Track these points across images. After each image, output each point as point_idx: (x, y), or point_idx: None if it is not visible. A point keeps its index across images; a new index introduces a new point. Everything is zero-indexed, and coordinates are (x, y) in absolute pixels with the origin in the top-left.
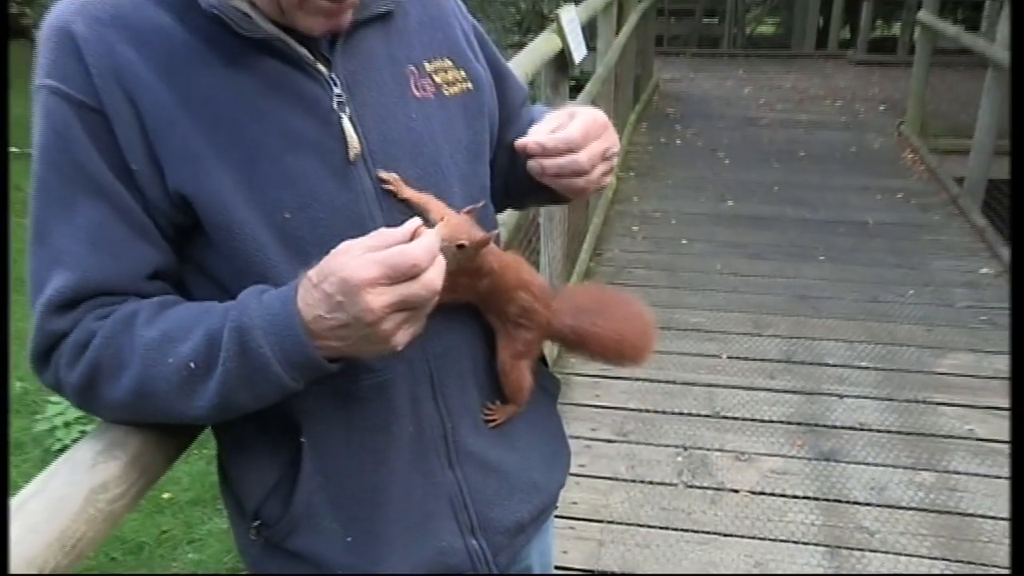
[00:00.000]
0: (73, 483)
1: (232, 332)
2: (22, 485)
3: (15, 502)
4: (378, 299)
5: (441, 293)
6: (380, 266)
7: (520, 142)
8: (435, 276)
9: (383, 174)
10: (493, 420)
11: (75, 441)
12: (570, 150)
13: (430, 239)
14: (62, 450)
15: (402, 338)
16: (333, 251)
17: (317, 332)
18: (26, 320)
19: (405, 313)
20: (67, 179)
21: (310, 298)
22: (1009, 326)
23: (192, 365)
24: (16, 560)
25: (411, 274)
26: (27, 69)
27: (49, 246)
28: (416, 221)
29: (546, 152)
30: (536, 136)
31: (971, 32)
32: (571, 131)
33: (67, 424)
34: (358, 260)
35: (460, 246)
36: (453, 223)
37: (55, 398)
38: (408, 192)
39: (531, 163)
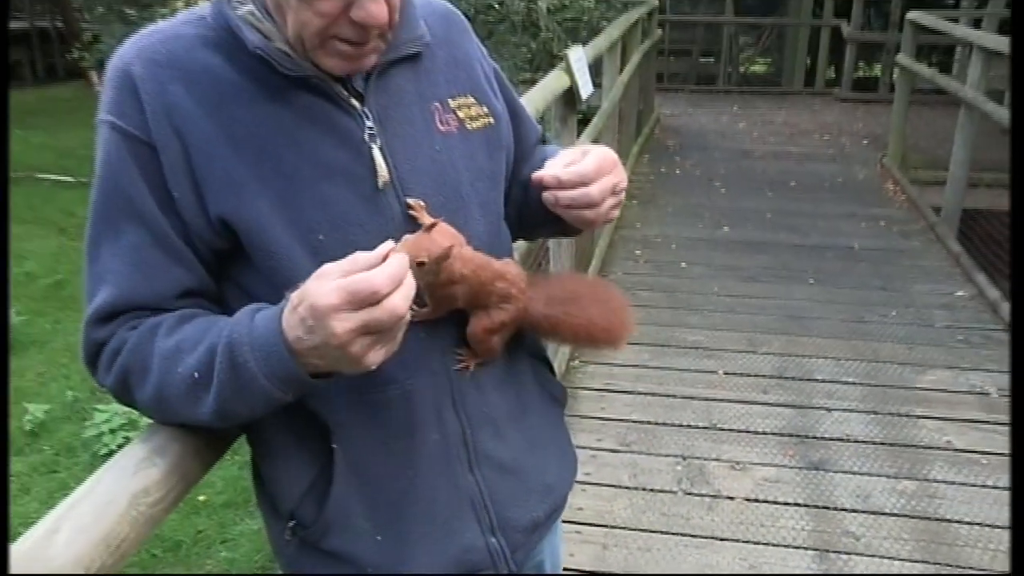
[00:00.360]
0: (118, 488)
1: (224, 348)
2: (73, 486)
3: (66, 504)
4: (341, 325)
5: (433, 309)
6: (342, 293)
7: (537, 174)
8: (398, 301)
9: (410, 201)
10: (464, 364)
11: (120, 446)
12: (583, 183)
13: (394, 265)
14: (108, 454)
15: (374, 358)
16: (314, 273)
17: (298, 351)
18: (76, 335)
19: (371, 336)
20: (116, 207)
21: (291, 320)
22: (1010, 340)
23: (196, 375)
24: (66, 559)
25: (372, 300)
26: (82, 106)
27: (98, 265)
28: (388, 244)
29: (561, 184)
30: (552, 169)
31: (944, 74)
32: (585, 166)
33: (112, 431)
34: (326, 286)
35: (420, 263)
36: (411, 242)
37: (103, 406)
38: (428, 220)
39: (546, 194)
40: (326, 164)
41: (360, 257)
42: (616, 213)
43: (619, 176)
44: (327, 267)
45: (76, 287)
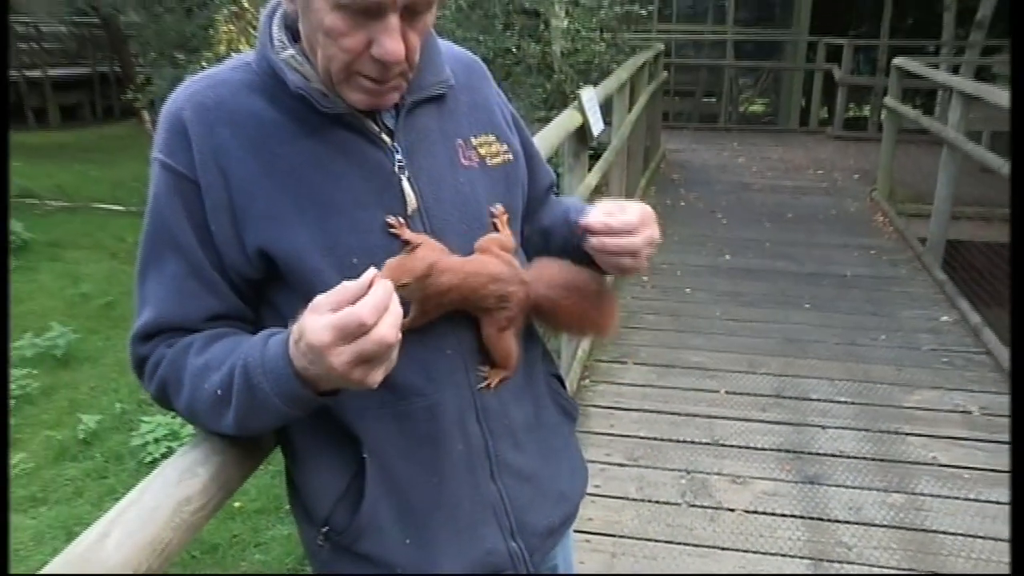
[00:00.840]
0: (163, 496)
1: (241, 370)
2: (121, 491)
3: (116, 510)
4: (338, 359)
5: (419, 317)
6: (333, 331)
7: (585, 221)
8: (385, 330)
9: (389, 219)
10: (487, 383)
11: (163, 455)
12: (629, 233)
13: (378, 294)
14: (152, 462)
15: (374, 379)
16: (309, 306)
17: (304, 377)
18: (125, 352)
19: (367, 363)
20: (161, 238)
21: (295, 351)
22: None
23: (219, 392)
24: (116, 561)
25: (361, 332)
26: (135, 143)
27: (144, 289)
28: (371, 272)
29: (610, 231)
30: (599, 217)
31: (928, 115)
32: (631, 217)
33: (156, 440)
34: (319, 323)
35: (403, 286)
36: (394, 265)
37: (148, 418)
38: (407, 234)
39: (594, 240)
40: (359, 193)
41: (347, 287)
42: (647, 264)
43: (655, 230)
44: (318, 300)
45: (126, 307)
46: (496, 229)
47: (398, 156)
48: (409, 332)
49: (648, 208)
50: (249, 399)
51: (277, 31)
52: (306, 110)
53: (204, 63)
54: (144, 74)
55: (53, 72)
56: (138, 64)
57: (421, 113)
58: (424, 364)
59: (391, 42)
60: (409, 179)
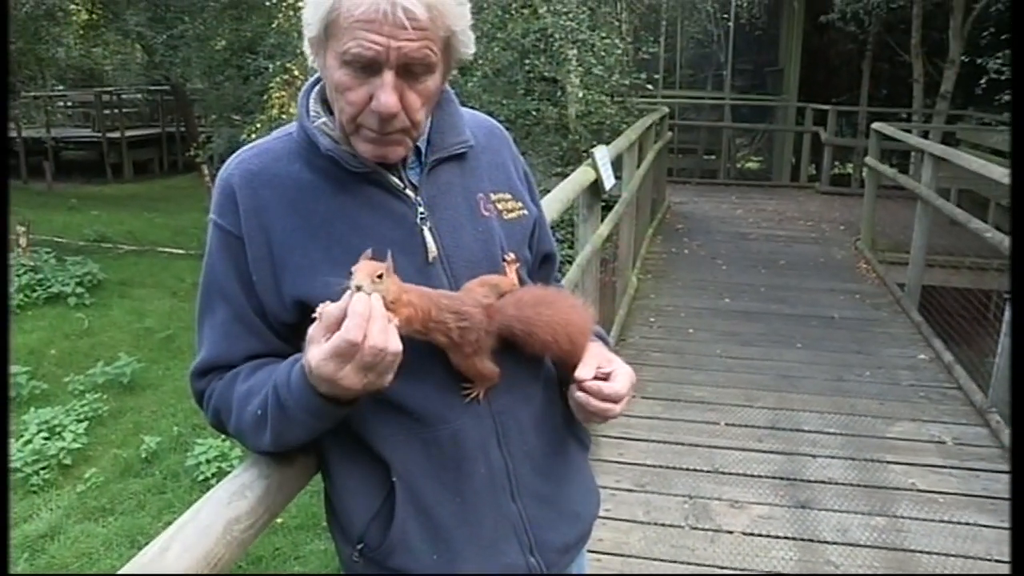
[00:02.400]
0: (215, 516)
1: (272, 392)
2: (177, 505)
3: (175, 527)
4: (347, 379)
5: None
6: (333, 359)
7: (580, 375)
8: (375, 338)
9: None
10: (474, 395)
11: (214, 474)
12: (614, 402)
13: (356, 312)
14: (204, 480)
15: (385, 380)
16: (306, 339)
17: (327, 396)
18: (183, 380)
19: (373, 370)
20: (212, 288)
21: (313, 379)
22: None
23: (258, 413)
24: (175, 572)
25: (354, 351)
26: (195, 194)
27: (201, 332)
28: (347, 295)
29: (600, 396)
30: (588, 372)
31: (903, 174)
32: (620, 388)
33: (208, 460)
34: (320, 355)
35: (380, 276)
36: (362, 269)
37: (201, 440)
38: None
39: (580, 394)
40: (385, 242)
41: (330, 314)
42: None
43: (631, 394)
44: (311, 332)
45: (184, 340)
46: (505, 273)
47: (420, 209)
48: (430, 365)
49: (633, 375)
50: (281, 417)
51: (313, 104)
52: (337, 170)
53: (258, 124)
54: (205, 133)
55: (129, 133)
56: (200, 125)
57: (443, 170)
58: (446, 394)
59: (385, 96)
60: (431, 229)
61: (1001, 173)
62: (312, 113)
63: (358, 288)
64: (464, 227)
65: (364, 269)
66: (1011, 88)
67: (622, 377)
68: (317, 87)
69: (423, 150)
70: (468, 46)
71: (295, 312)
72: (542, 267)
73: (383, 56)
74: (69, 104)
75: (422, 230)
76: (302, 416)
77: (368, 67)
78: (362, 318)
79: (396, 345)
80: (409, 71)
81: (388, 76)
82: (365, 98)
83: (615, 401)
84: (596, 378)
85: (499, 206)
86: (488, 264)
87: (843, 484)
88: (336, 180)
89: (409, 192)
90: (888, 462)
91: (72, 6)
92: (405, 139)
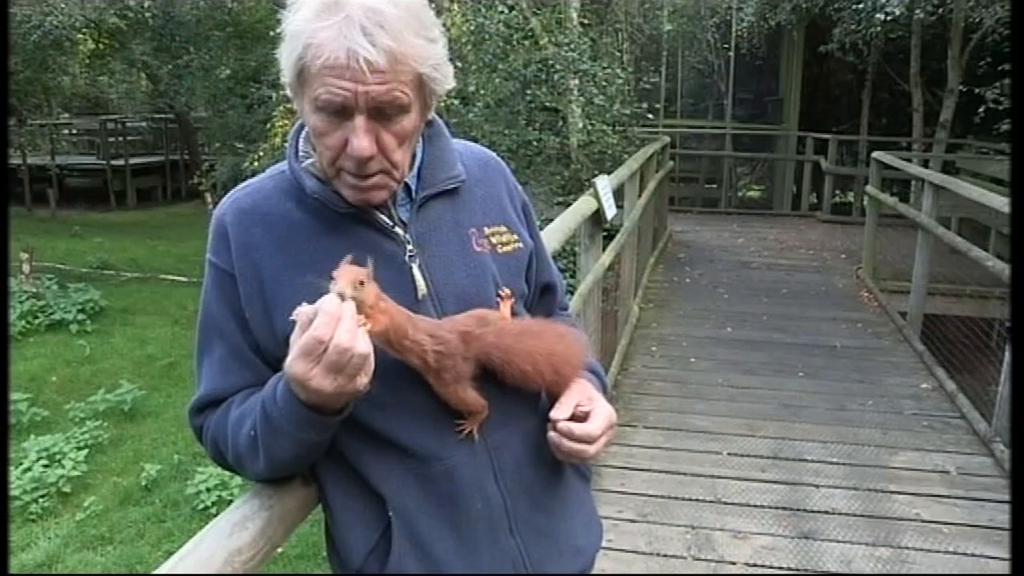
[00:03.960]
0: (217, 547)
1: (260, 408)
2: (177, 535)
3: (176, 557)
4: (316, 381)
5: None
6: (301, 358)
7: (555, 415)
8: (342, 338)
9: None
10: (467, 431)
11: (214, 503)
12: (588, 442)
13: (326, 310)
14: (204, 509)
15: (358, 383)
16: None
17: (308, 404)
18: (184, 408)
19: (342, 372)
20: (209, 325)
21: (292, 386)
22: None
23: (251, 434)
24: None
25: (321, 349)
26: (198, 221)
27: (200, 369)
28: (323, 299)
29: (571, 437)
30: (564, 413)
31: (904, 203)
32: (594, 429)
33: (208, 489)
34: (292, 352)
35: (362, 282)
36: (341, 271)
37: (201, 468)
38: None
39: (552, 435)
40: (375, 280)
41: (303, 312)
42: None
43: (612, 436)
44: (292, 336)
45: (185, 368)
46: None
47: (409, 246)
48: (425, 401)
49: (612, 415)
50: (269, 431)
51: (303, 143)
52: (327, 209)
53: (261, 152)
54: (209, 161)
55: (133, 160)
56: (204, 153)
57: (434, 206)
58: (440, 430)
59: (357, 140)
60: (421, 266)
61: (1001, 202)
62: (301, 153)
63: (339, 295)
64: (455, 263)
65: (345, 275)
66: (1011, 117)
67: (598, 418)
68: (306, 127)
69: (413, 186)
70: (445, 81)
71: (286, 347)
72: (542, 298)
73: (352, 101)
74: (74, 132)
75: (411, 268)
76: (288, 427)
77: (339, 112)
78: (332, 317)
79: (363, 347)
80: (381, 113)
81: (359, 120)
82: (341, 142)
83: (588, 442)
84: (573, 417)
85: (493, 240)
86: (480, 300)
87: (847, 514)
88: (326, 219)
89: (398, 229)
90: (892, 492)
91: (79, 35)
92: (387, 181)
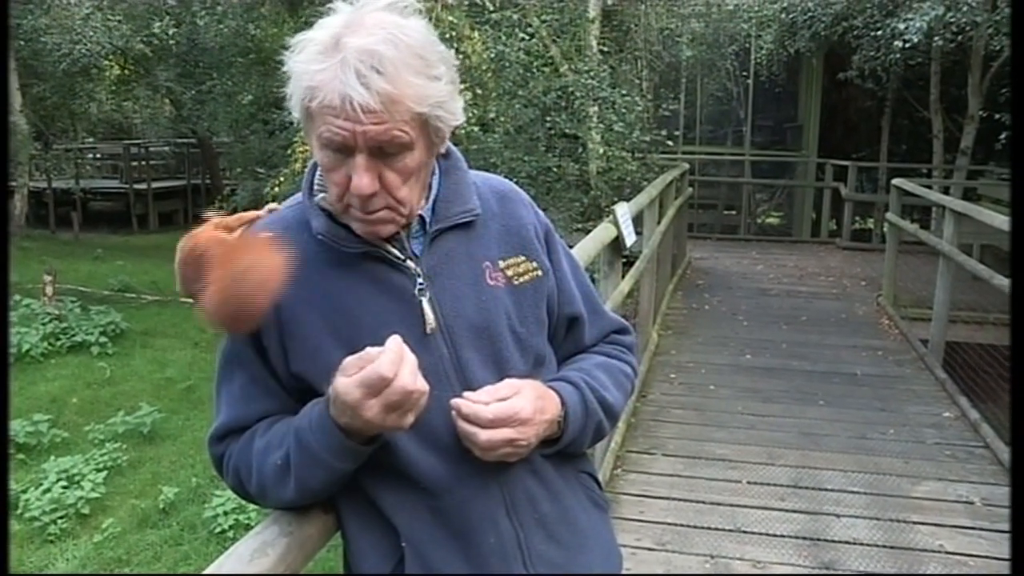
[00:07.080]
0: (236, 573)
1: (294, 434)
2: (194, 558)
3: None
4: (369, 412)
5: None
6: (360, 388)
7: (455, 402)
8: (405, 379)
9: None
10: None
11: (231, 527)
12: (478, 426)
13: (392, 351)
14: (221, 532)
15: (406, 421)
16: (339, 368)
17: (347, 430)
18: (203, 431)
19: (397, 410)
20: (230, 356)
21: (335, 410)
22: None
23: (278, 463)
24: None
25: (384, 385)
26: None
27: (220, 398)
28: (393, 338)
29: (460, 415)
30: (470, 397)
31: (924, 229)
32: (485, 411)
33: (226, 513)
34: (348, 383)
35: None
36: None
37: (219, 492)
38: None
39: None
40: (384, 315)
41: (369, 351)
42: (512, 459)
43: (521, 434)
44: (346, 361)
45: (204, 391)
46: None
47: (420, 280)
48: (437, 434)
49: (524, 410)
50: (302, 458)
51: (318, 177)
52: (336, 246)
53: (282, 178)
54: (230, 186)
55: (156, 184)
56: (225, 177)
57: (447, 239)
58: (452, 465)
59: (357, 178)
60: (430, 300)
61: None
62: (316, 187)
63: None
64: (467, 296)
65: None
66: (1011, 127)
67: (500, 406)
68: None
69: (427, 220)
70: (450, 118)
71: (300, 381)
72: (569, 332)
73: (351, 141)
74: (98, 156)
75: (420, 302)
76: (324, 456)
77: (341, 150)
78: (397, 355)
79: (424, 385)
80: (382, 151)
81: (360, 159)
82: (346, 178)
83: (479, 426)
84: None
85: (508, 272)
86: (490, 333)
87: (868, 545)
88: (337, 253)
89: (410, 263)
90: (914, 523)
91: (105, 63)
92: (393, 216)
